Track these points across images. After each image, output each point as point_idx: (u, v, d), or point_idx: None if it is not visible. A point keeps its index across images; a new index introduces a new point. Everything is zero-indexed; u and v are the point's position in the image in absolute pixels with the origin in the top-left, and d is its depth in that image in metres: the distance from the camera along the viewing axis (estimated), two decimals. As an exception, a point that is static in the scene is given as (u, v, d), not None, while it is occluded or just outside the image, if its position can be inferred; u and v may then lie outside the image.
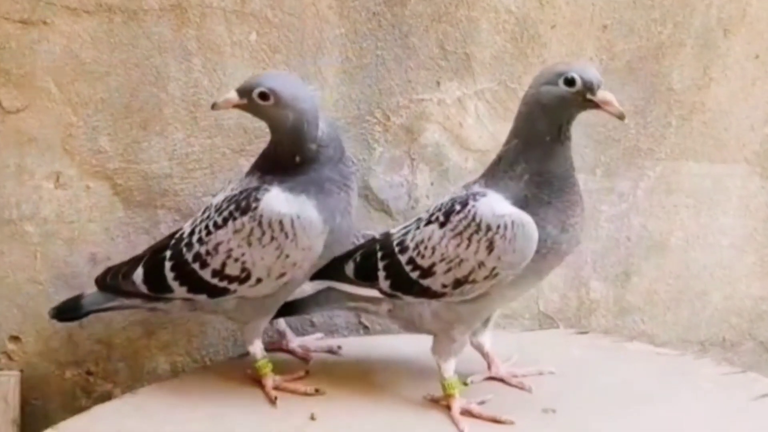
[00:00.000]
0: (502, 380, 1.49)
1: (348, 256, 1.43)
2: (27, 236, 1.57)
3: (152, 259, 1.42)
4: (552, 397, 1.43)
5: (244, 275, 1.34)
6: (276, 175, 1.35)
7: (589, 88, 1.22)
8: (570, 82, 1.22)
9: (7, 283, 1.58)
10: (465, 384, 1.47)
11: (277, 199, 1.32)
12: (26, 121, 1.51)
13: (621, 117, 1.25)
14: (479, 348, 1.48)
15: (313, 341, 1.62)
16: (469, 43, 1.57)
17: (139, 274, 1.41)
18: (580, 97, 1.23)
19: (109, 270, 1.46)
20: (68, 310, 1.49)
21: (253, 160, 1.51)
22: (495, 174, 1.32)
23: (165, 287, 1.40)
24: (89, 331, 1.64)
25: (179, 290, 1.39)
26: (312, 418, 1.37)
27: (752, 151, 1.75)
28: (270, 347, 1.57)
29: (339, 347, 1.60)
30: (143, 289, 1.41)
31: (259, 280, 1.35)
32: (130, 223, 1.59)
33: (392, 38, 1.55)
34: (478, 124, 1.62)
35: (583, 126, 1.66)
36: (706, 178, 1.75)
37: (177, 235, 1.42)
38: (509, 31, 1.58)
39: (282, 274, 1.34)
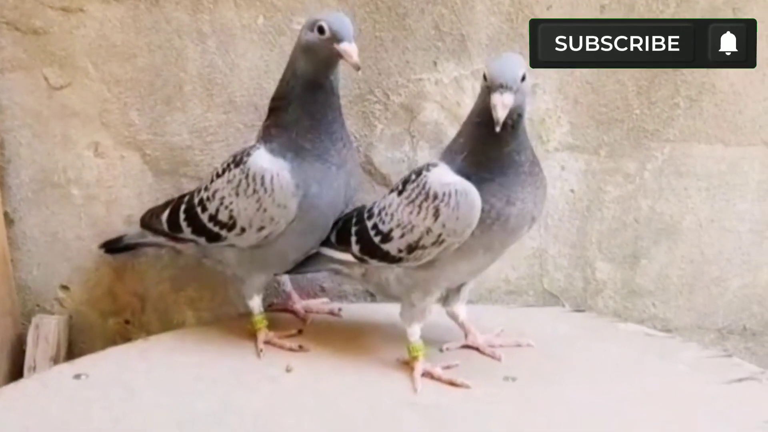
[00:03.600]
0: (477, 349, 1.55)
1: (335, 224, 1.54)
2: (73, 198, 1.77)
3: (177, 202, 1.61)
4: (519, 366, 1.49)
5: (231, 222, 1.48)
6: (265, 138, 1.48)
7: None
8: (484, 77, 1.28)
9: (57, 238, 1.80)
10: (441, 350, 1.56)
11: (262, 157, 1.45)
12: (69, 97, 1.70)
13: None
14: (454, 318, 1.55)
15: (317, 304, 1.74)
16: (465, 24, 1.62)
17: (165, 214, 1.61)
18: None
19: (150, 210, 1.68)
20: (113, 243, 1.76)
21: (264, 135, 1.66)
22: (450, 148, 1.40)
23: (178, 227, 1.58)
24: (126, 285, 1.84)
25: (186, 230, 1.56)
26: (287, 370, 1.50)
27: (771, 134, 1.70)
28: (277, 307, 1.73)
29: (339, 309, 1.71)
30: (165, 227, 1.61)
31: (242, 230, 1.48)
32: (158, 189, 1.76)
33: (389, 20, 1.63)
34: (476, 103, 1.67)
35: (584, 106, 1.68)
36: (720, 161, 1.71)
37: None
38: (504, 13, 1.61)
39: (261, 227, 1.46)
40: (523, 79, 1.27)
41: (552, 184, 1.68)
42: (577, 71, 1.64)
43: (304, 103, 1.44)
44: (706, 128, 1.68)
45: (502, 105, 1.23)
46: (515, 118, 1.29)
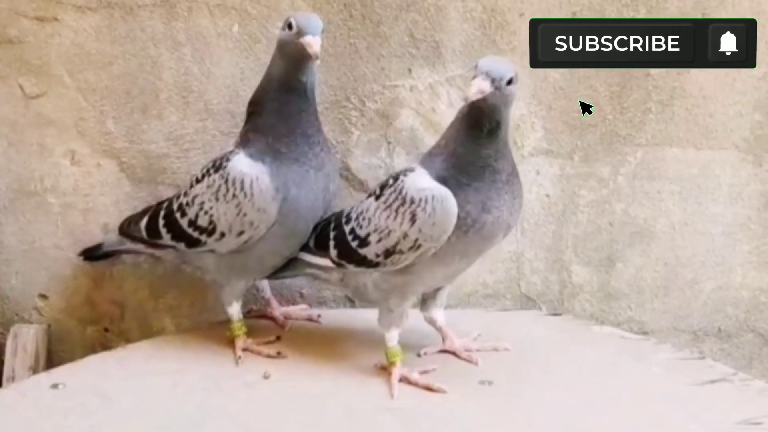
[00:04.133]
0: (454, 353, 1.56)
1: (314, 228, 1.54)
2: (50, 207, 1.77)
3: (156, 208, 1.61)
4: (495, 370, 1.50)
5: (210, 227, 1.49)
6: (244, 143, 1.49)
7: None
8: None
9: (35, 247, 1.79)
10: (418, 355, 1.57)
11: (242, 162, 1.46)
12: (45, 106, 1.70)
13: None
14: (432, 323, 1.56)
15: (296, 310, 1.75)
16: (438, 31, 1.64)
17: (144, 221, 1.61)
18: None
19: (128, 218, 1.68)
20: (92, 251, 1.75)
21: (241, 143, 1.67)
22: (430, 152, 1.42)
23: (157, 233, 1.58)
24: (105, 293, 1.83)
25: (165, 237, 1.57)
26: (265, 376, 1.50)
27: (741, 137, 1.71)
28: (256, 314, 1.73)
29: (319, 316, 1.72)
30: (144, 234, 1.61)
31: (222, 234, 1.48)
32: (135, 197, 1.75)
33: (363, 28, 1.64)
34: (451, 109, 1.66)
35: (557, 111, 1.70)
36: (692, 165, 1.73)
37: None
38: (477, 19, 1.63)
39: (241, 232, 1.47)
40: (510, 82, 1.29)
41: (527, 188, 1.70)
42: (550, 77, 1.66)
43: (278, 107, 1.45)
44: (678, 132, 1.71)
45: (477, 87, 1.25)
46: (494, 124, 1.31)
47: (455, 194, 1.33)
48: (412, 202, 1.35)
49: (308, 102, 1.47)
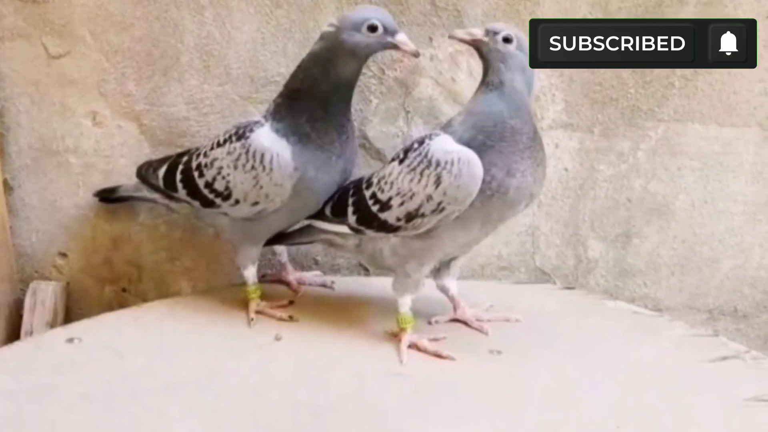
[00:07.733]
0: (465, 323, 1.57)
1: (331, 198, 1.54)
2: (71, 166, 1.79)
3: (175, 160, 1.62)
4: (505, 340, 1.50)
5: (226, 193, 1.51)
6: (274, 114, 1.49)
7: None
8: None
9: (55, 206, 1.82)
10: (429, 323, 1.57)
11: (265, 135, 1.47)
12: (67, 66, 1.71)
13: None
14: (444, 291, 1.56)
15: (310, 276, 1.76)
16: (460, -1, 1.63)
17: (162, 170, 1.63)
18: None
19: (147, 163, 1.69)
20: (108, 192, 1.77)
21: (260, 107, 1.68)
22: (450, 119, 1.43)
23: (173, 186, 1.59)
24: (123, 253, 1.86)
25: (181, 191, 1.58)
26: (276, 338, 1.52)
27: (765, 116, 1.69)
28: (270, 278, 1.75)
29: (332, 282, 1.73)
30: (161, 183, 1.62)
31: (237, 201, 1.50)
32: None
33: (385, -6, 1.64)
34: (471, 79, 1.66)
35: (578, 84, 1.68)
36: (714, 142, 1.71)
37: None
38: (500, -12, 1.62)
39: (256, 202, 1.49)
40: (507, 40, 1.36)
41: (545, 161, 1.69)
42: (573, 49, 1.65)
43: (325, 100, 1.46)
44: (701, 108, 1.69)
45: (466, 30, 1.41)
46: (495, 81, 1.37)
47: (480, 157, 1.34)
48: (438, 164, 1.35)
49: (352, 93, 1.49)
